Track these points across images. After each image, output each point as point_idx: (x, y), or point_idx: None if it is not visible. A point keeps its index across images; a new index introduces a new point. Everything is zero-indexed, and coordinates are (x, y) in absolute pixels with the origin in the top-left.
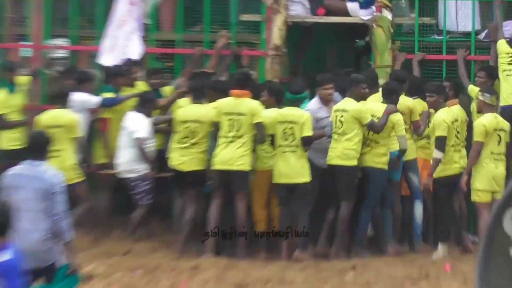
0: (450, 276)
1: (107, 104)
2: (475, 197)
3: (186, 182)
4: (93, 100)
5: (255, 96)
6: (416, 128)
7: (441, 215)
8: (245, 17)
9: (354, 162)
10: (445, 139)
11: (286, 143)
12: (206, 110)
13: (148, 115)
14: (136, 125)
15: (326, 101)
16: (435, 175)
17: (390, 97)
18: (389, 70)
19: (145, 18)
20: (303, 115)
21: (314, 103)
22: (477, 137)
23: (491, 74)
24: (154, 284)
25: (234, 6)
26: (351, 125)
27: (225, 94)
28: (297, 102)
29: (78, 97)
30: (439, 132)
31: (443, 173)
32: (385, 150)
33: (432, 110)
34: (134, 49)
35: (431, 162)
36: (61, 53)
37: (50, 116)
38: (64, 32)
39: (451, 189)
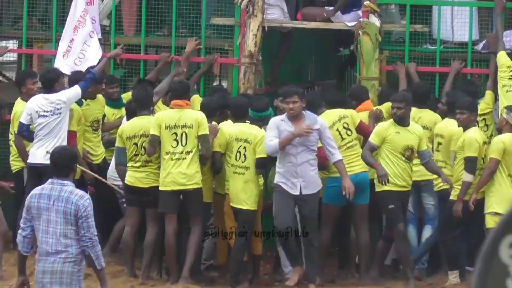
0: None
1: (85, 88)
2: (491, 222)
3: (143, 202)
4: (77, 91)
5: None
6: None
7: (452, 241)
8: (217, 21)
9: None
10: (476, 161)
11: (237, 163)
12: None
13: None
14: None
15: (290, 116)
16: (452, 197)
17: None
18: (376, 83)
19: (104, 20)
20: (258, 134)
21: (281, 116)
22: (494, 154)
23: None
24: None
25: (204, 8)
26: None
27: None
28: (259, 121)
29: (63, 96)
30: (470, 153)
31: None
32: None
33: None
34: (92, 54)
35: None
36: (10, 57)
37: None
38: (14, 33)
39: (467, 215)
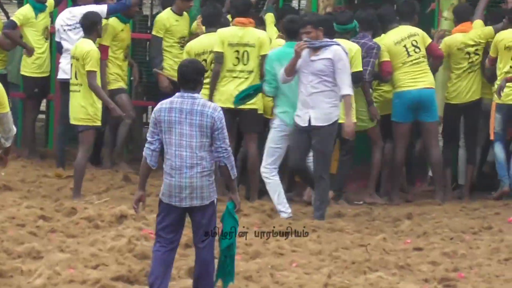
0: None
1: (114, 11)
2: None
3: None
4: (101, 10)
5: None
6: None
7: None
8: None
9: None
10: None
11: None
12: None
13: None
14: None
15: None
16: None
17: None
18: (455, 1)
19: None
20: (353, 48)
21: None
22: None
23: None
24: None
25: None
26: None
27: None
28: (345, 34)
29: (79, 10)
30: None
31: None
32: None
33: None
34: None
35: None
36: None
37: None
38: None
39: None
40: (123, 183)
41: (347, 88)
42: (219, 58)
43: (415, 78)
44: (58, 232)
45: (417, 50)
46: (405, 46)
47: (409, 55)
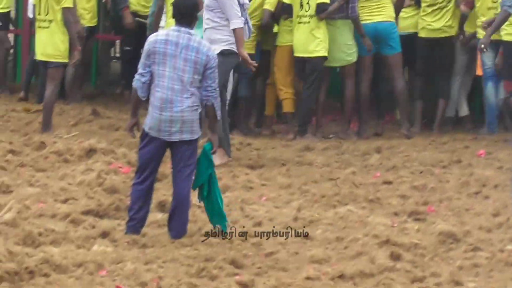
0: (484, 162)
1: None
2: None
3: None
4: None
5: None
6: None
7: None
8: None
9: None
10: None
11: (301, 13)
12: None
13: None
14: None
15: None
16: None
17: None
18: None
19: None
20: None
21: None
22: None
23: None
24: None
25: None
26: None
27: None
28: None
29: None
30: None
31: None
32: None
33: None
34: None
35: None
36: None
37: None
38: None
39: None
40: (92, 117)
41: (234, 22)
42: None
43: (371, 12)
44: (28, 167)
45: None
46: None
47: None
